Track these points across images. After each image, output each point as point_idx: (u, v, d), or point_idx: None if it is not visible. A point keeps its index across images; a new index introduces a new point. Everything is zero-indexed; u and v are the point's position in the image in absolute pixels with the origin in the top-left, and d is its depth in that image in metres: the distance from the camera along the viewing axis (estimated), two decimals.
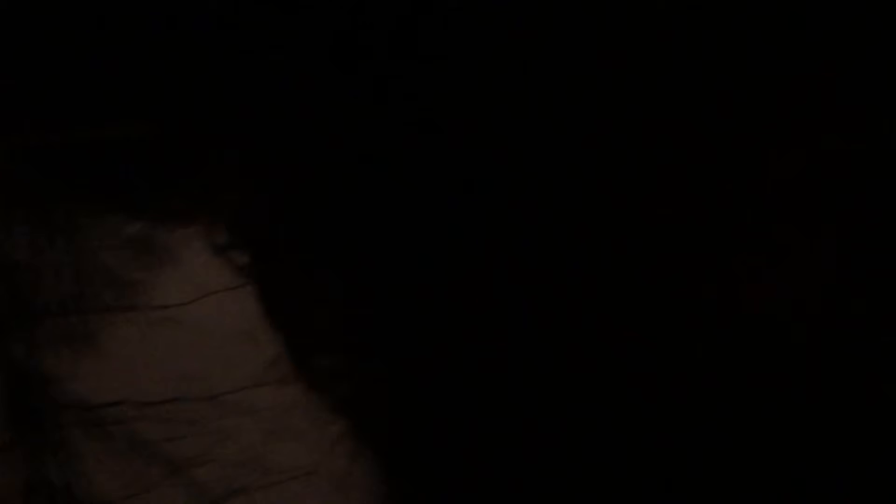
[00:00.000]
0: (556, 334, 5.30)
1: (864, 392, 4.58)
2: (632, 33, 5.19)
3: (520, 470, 5.43)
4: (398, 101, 6.06)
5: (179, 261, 6.46)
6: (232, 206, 6.33)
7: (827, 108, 4.91)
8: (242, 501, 6.08)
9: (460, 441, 5.77)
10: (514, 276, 5.41)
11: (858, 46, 4.79)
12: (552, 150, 5.68)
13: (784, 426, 4.64)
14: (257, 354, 6.13)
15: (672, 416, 4.75)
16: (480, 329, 5.40)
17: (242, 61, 5.97)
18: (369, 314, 5.80)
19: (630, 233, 5.19)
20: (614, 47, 5.25)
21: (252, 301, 6.28)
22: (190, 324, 6.23)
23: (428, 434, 5.94)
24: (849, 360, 4.65)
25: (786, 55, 4.96)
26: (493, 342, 5.35)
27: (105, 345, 6.38)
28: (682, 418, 4.73)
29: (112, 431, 6.29)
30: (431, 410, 5.91)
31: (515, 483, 5.45)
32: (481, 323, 5.40)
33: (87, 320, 6.52)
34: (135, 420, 6.28)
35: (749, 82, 5.07)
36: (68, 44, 6.26)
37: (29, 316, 6.50)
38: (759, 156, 5.10)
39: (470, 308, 5.44)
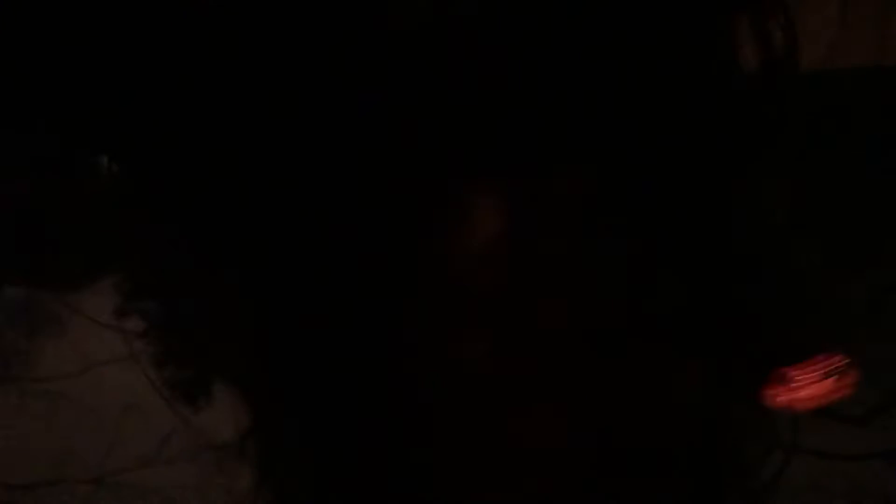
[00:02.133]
0: None
1: None
2: None
3: None
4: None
5: (65, 329, 5.97)
6: (126, 269, 5.91)
7: None
8: None
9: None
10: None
11: None
12: None
13: None
14: (148, 431, 5.68)
15: None
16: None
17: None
18: (276, 383, 5.44)
19: None
20: None
21: (143, 372, 5.83)
22: (73, 398, 5.73)
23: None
24: None
25: None
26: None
27: None
28: None
29: None
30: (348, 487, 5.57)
31: None
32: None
33: None
34: None
35: None
36: None
37: None
38: None
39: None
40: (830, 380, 4.18)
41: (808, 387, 4.20)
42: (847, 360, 4.22)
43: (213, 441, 5.69)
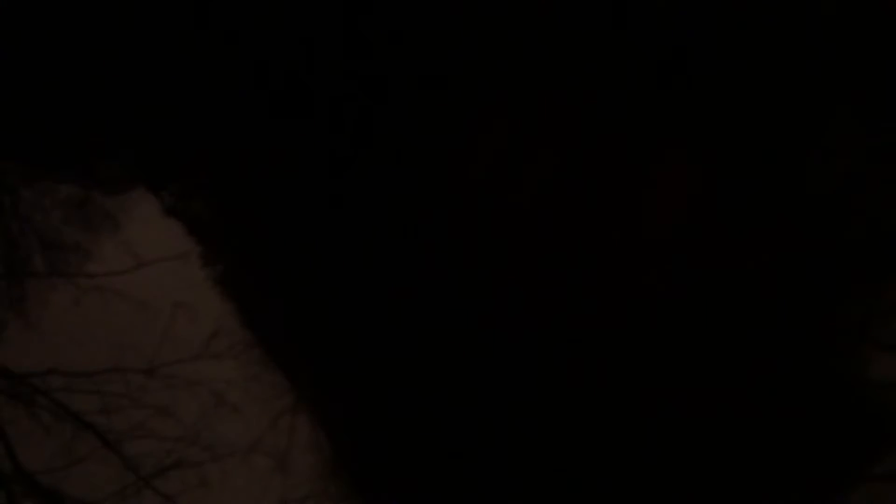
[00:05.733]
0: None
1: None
2: None
3: (449, 456, 5.40)
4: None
5: (118, 226, 6.20)
6: (177, 171, 6.09)
7: None
8: (177, 477, 5.93)
9: (400, 424, 5.70)
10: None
11: None
12: None
13: None
14: (197, 327, 5.94)
15: None
16: (437, 318, 5.30)
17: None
18: (320, 292, 5.65)
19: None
20: None
21: (193, 272, 6.07)
22: (126, 293, 5.99)
23: (371, 413, 5.86)
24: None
25: None
26: (449, 331, 5.25)
27: (34, 311, 6.11)
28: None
29: (39, 401, 6.04)
30: (376, 391, 5.82)
31: (447, 467, 5.43)
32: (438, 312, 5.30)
33: (15, 285, 6.22)
34: (64, 391, 6.03)
35: None
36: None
37: None
38: None
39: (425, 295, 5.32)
40: None
41: None
42: None
43: (258, 339, 5.96)
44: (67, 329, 5.96)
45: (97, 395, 5.89)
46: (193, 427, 5.84)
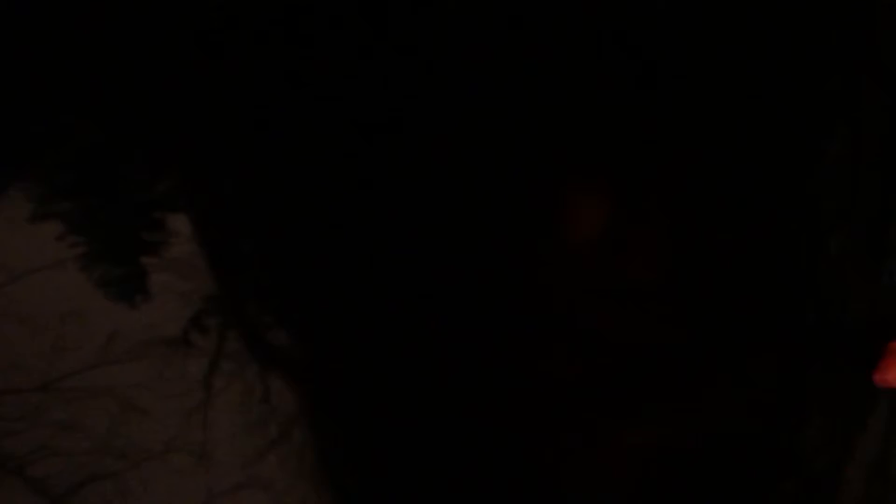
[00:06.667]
0: None
1: None
2: None
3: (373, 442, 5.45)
4: None
5: None
6: (38, 172, 5.68)
7: None
8: (94, 491, 5.69)
9: (317, 404, 5.68)
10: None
11: None
12: None
13: None
14: (89, 335, 5.66)
15: None
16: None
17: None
18: (222, 276, 5.50)
19: None
20: None
21: (74, 278, 5.75)
22: (5, 310, 5.60)
23: (287, 396, 5.81)
24: None
25: None
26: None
27: None
28: None
29: None
30: (290, 370, 5.77)
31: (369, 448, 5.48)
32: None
33: None
34: None
35: None
36: None
37: None
38: None
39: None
40: None
41: None
42: None
43: (159, 336, 5.75)
44: None
45: None
46: (103, 438, 5.61)
